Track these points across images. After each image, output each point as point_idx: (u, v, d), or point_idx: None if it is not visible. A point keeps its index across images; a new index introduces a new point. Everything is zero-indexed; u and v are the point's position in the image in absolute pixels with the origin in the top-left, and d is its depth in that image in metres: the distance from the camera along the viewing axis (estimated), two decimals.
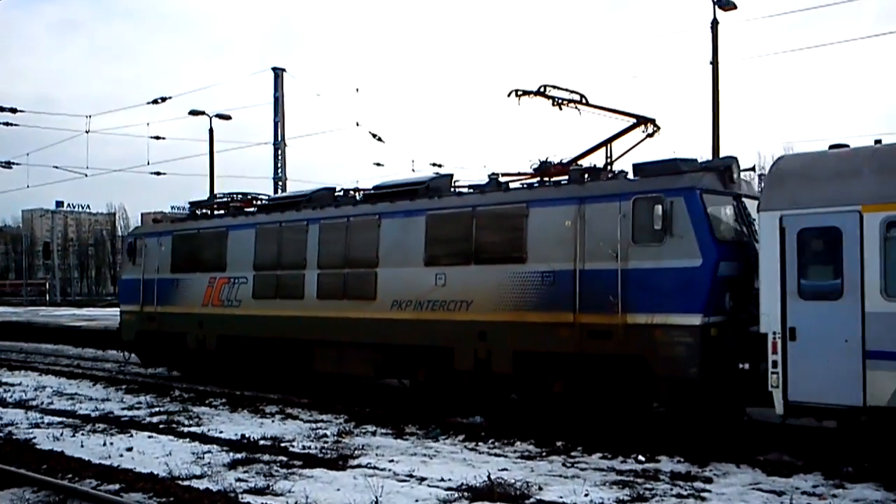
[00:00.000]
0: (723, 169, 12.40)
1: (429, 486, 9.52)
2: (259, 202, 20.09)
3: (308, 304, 16.43)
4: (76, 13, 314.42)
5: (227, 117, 34.59)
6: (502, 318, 13.35)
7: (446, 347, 14.13)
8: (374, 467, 10.48)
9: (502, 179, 14.80)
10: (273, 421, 14.14)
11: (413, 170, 42.39)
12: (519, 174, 14.73)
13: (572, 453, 11.30)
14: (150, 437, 12.77)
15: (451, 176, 16.14)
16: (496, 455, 11.25)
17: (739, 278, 11.53)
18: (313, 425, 13.61)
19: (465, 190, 15.11)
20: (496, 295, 13.47)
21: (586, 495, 8.97)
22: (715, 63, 22.12)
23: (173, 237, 20.36)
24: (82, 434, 13.03)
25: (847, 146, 11.17)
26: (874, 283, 9.72)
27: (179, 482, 9.72)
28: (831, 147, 11.22)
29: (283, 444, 12.03)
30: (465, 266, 13.97)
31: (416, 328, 14.49)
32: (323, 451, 11.57)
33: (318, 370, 16.71)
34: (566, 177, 13.50)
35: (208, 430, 13.19)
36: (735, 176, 12.40)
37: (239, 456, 11.26)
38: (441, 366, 14.31)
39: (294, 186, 32.87)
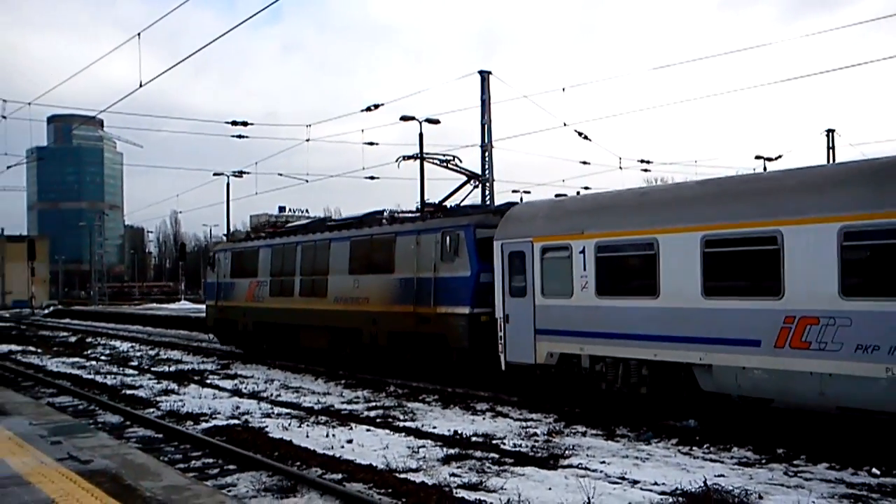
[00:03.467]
0: (492, 212, 18.47)
1: (641, 489, 9.34)
2: (275, 229, 27.38)
3: (295, 300, 23.32)
4: (299, 33, 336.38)
5: (436, 121, 35.54)
6: (383, 310, 19.58)
7: (357, 328, 20.52)
8: (586, 468, 10.41)
9: (391, 217, 21.60)
10: (484, 418, 14.38)
11: (620, 167, 41.76)
12: (408, 212, 22.19)
13: (794, 462, 10.66)
14: (367, 430, 13.36)
15: (382, 212, 22.69)
16: (712, 461, 10.84)
17: (493, 284, 16.39)
18: (523, 423, 13.71)
19: (371, 225, 21.40)
20: (380, 294, 19.77)
21: None
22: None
23: (232, 252, 27.91)
24: (307, 425, 13.86)
25: (564, 195, 17.85)
26: (539, 286, 15.35)
27: (396, 475, 10.12)
28: (557, 195, 17.68)
29: (494, 442, 12.21)
30: (366, 274, 20.34)
31: (344, 316, 21.01)
32: (534, 449, 11.64)
33: (302, 345, 23.51)
34: (408, 217, 20.57)
35: (422, 426, 13.63)
36: (499, 217, 17.10)
37: (452, 451, 11.55)
38: (355, 341, 20.71)
39: (500, 188, 33.26)
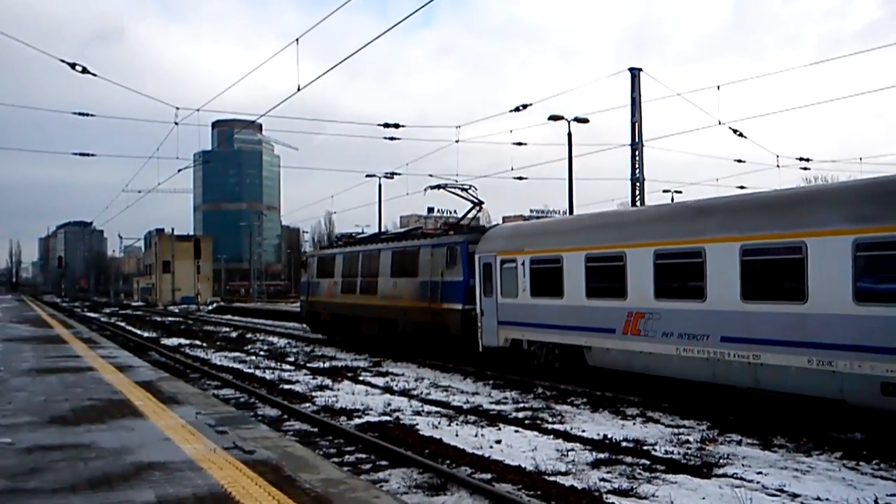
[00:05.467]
0: (480, 231, 23.31)
1: (803, 503, 8.93)
2: (347, 241, 33.48)
3: (357, 296, 29.05)
4: (449, 36, 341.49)
5: (585, 120, 35.15)
6: (410, 305, 24.97)
7: (395, 319, 25.94)
8: (741, 478, 10.06)
9: (422, 233, 27.66)
10: (634, 423, 14.12)
11: (777, 165, 40.04)
12: (434, 230, 29.67)
13: None
14: (516, 431, 13.40)
15: (418, 229, 30.58)
16: (882, 478, 10.19)
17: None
18: (675, 430, 13.37)
19: (403, 239, 27.33)
20: (409, 293, 25.13)
21: None
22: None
23: (318, 258, 34.62)
24: (457, 424, 14.05)
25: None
26: (499, 289, 20.37)
27: (545, 477, 10.12)
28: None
29: (645, 447, 11.99)
30: (401, 277, 25.84)
31: (387, 310, 26.54)
32: (686, 457, 11.34)
33: (362, 332, 28.97)
34: (432, 233, 27.22)
35: (571, 429, 13.52)
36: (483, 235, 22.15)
37: (601, 456, 11.42)
38: (393, 329, 26.12)
39: (651, 187, 32.52)
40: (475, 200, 25.57)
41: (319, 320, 33.46)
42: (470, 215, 25.95)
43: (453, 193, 25.89)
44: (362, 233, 37.98)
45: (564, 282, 18.03)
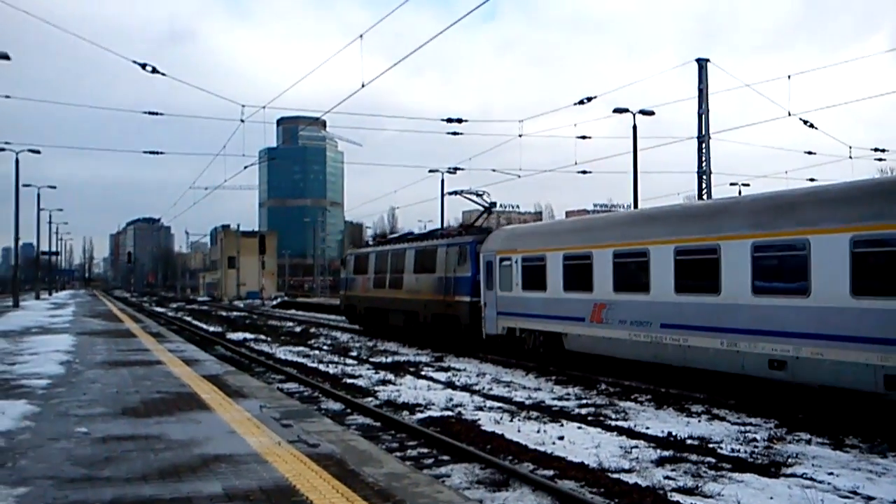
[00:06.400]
0: (484, 230, 27.32)
1: None
2: (379, 241, 38.05)
3: (386, 290, 32.26)
4: (512, 30, 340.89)
5: (651, 113, 34.73)
6: (429, 298, 27.83)
7: (416, 311, 29.00)
8: (811, 478, 9.82)
9: (441, 233, 30.99)
10: (699, 420, 13.89)
11: (850, 157, 38.98)
12: (452, 230, 33.02)
13: None
14: (579, 427, 13.30)
15: (439, 230, 35.66)
16: None
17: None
18: (741, 428, 13.12)
19: (425, 239, 30.59)
20: (428, 287, 28.02)
21: None
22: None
23: (354, 256, 37.96)
24: (518, 420, 14.00)
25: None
26: (498, 283, 23.27)
27: (609, 474, 10.02)
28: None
29: (710, 445, 11.79)
30: (422, 273, 28.69)
31: (411, 303, 29.57)
32: (753, 455, 11.12)
33: (390, 324, 32.40)
34: (450, 233, 29.66)
35: (634, 426, 13.38)
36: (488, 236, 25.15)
37: (666, 453, 11.27)
38: (415, 320, 29.27)
39: (718, 180, 32.44)
40: (486, 205, 29.44)
41: (355, 313, 37.17)
42: (482, 218, 31.08)
43: (468, 199, 29.63)
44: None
45: (548, 277, 20.97)
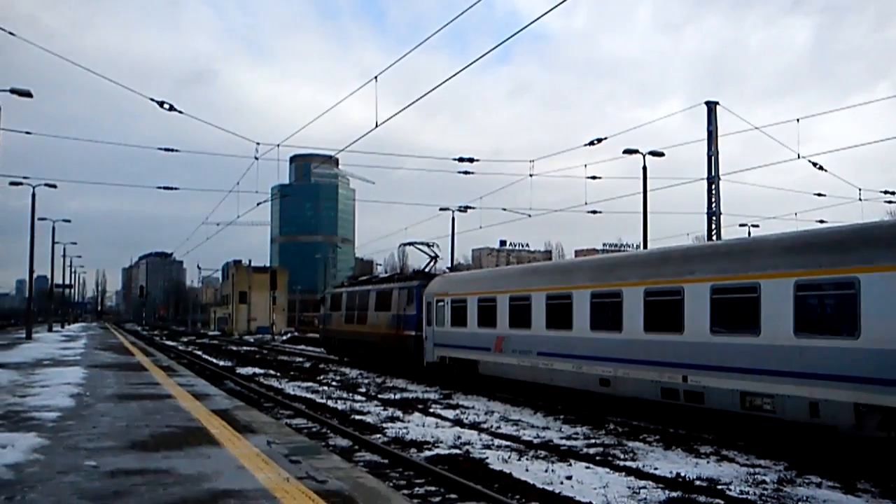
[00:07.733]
0: (430, 275, 31.72)
1: None
2: (351, 282, 44.72)
3: (354, 326, 37.20)
4: (526, 73, 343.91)
5: (661, 154, 34.88)
6: (385, 332, 33.04)
7: (376, 343, 34.15)
8: None
9: (398, 277, 36.97)
10: (708, 462, 13.83)
11: (860, 199, 39.00)
12: (406, 274, 39.51)
13: None
14: (587, 467, 13.24)
15: (397, 274, 45.00)
16: None
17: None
18: (750, 469, 13.06)
19: (384, 282, 36.24)
20: (384, 323, 33.28)
21: None
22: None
23: (331, 295, 43.46)
24: (526, 459, 13.96)
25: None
26: (435, 320, 28.39)
27: None
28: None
29: (719, 487, 11.73)
30: (380, 311, 33.87)
31: (372, 336, 34.66)
32: (762, 498, 11.07)
33: (358, 353, 37.51)
34: (403, 277, 35.42)
35: (643, 466, 13.32)
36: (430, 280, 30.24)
37: (674, 494, 11.22)
38: (375, 350, 34.55)
39: (728, 221, 32.13)
40: (432, 255, 35.83)
41: (332, 344, 43.02)
42: (430, 265, 36.36)
43: (419, 249, 36.44)
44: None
45: (468, 316, 25.96)
